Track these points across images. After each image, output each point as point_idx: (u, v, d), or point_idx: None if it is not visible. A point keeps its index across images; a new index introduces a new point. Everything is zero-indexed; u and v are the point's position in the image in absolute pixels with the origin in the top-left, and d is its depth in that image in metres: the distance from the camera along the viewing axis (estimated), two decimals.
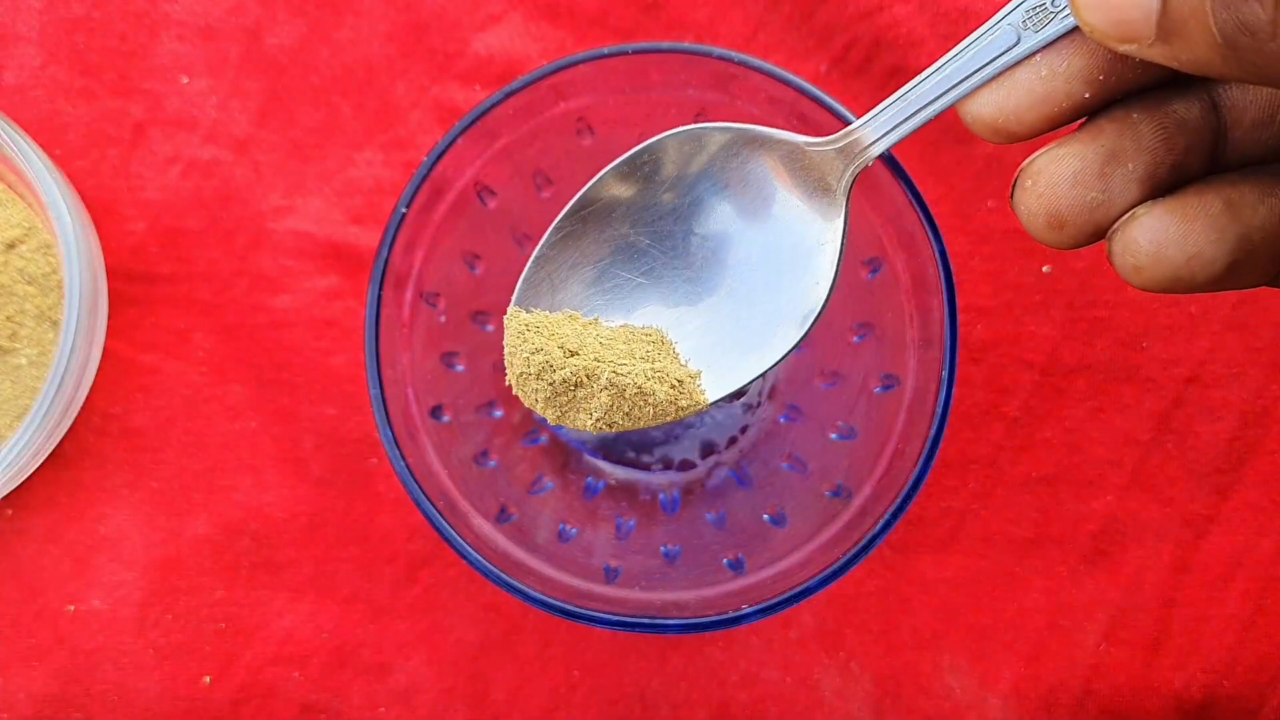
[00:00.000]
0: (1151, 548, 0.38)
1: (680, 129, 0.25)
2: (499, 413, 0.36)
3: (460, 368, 0.35)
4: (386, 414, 0.29)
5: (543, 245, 0.27)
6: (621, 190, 0.26)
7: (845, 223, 0.24)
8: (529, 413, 0.37)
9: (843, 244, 0.24)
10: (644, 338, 0.27)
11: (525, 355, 0.26)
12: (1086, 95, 0.21)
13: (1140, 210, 0.21)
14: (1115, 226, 0.21)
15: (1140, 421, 0.38)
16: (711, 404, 0.27)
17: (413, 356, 0.32)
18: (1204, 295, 0.38)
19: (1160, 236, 0.20)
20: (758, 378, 0.26)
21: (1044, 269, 0.38)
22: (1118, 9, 0.18)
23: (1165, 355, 0.38)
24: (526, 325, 0.26)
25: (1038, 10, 0.20)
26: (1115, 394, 0.38)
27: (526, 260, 0.36)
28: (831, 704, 0.38)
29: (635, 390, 0.25)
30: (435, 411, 0.32)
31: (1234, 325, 0.38)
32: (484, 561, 0.29)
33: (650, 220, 0.27)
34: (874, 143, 0.23)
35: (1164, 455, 0.38)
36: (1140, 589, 0.38)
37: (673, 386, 0.26)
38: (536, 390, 0.26)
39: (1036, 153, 0.22)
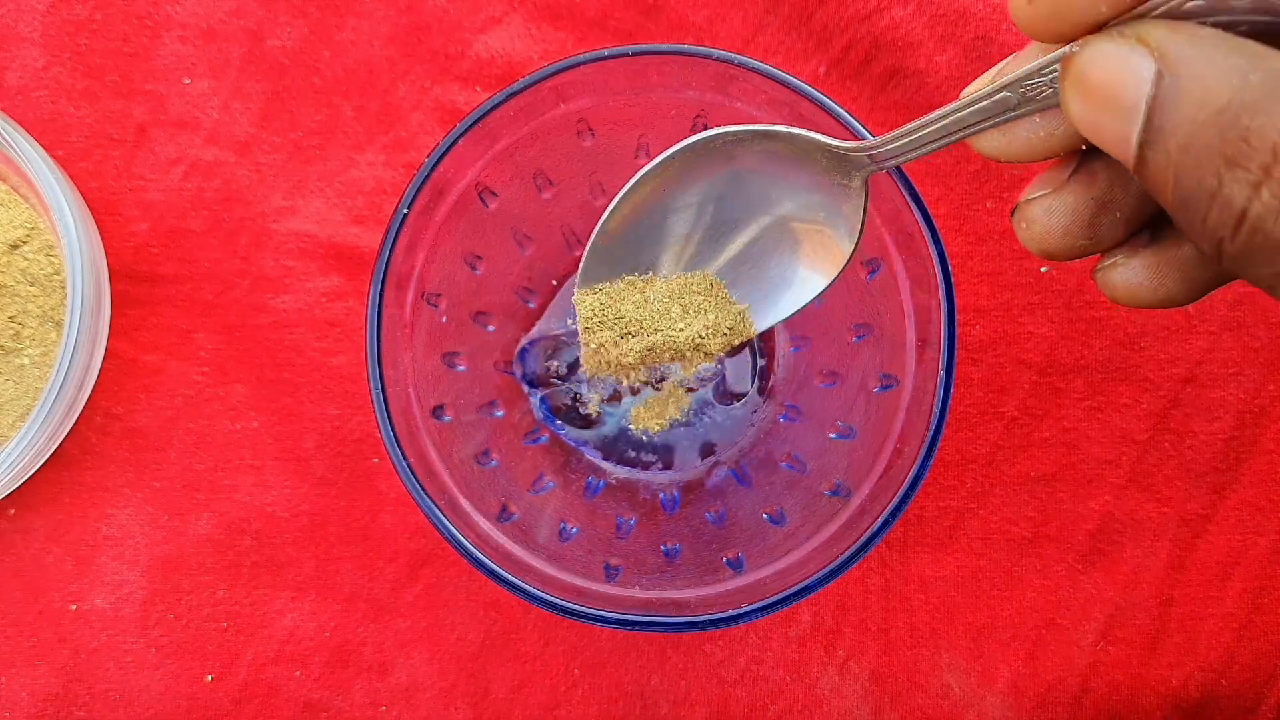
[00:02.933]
0: (1149, 547, 0.38)
1: (723, 130, 0.27)
2: (500, 412, 0.36)
3: (461, 367, 0.35)
4: (388, 414, 0.29)
5: (598, 233, 0.29)
6: (665, 177, 0.29)
7: (866, 197, 0.27)
8: (530, 412, 0.37)
9: (865, 210, 0.27)
10: (695, 287, 0.30)
11: (593, 349, 0.31)
12: (1083, 148, 0.22)
13: (1120, 260, 0.23)
14: (1098, 266, 0.23)
15: (1138, 421, 0.38)
16: (759, 333, 0.30)
17: (414, 356, 0.32)
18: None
19: (1135, 283, 0.23)
20: (799, 309, 0.29)
21: (1041, 270, 0.39)
22: (1097, 130, 0.19)
23: (1162, 355, 0.38)
24: (594, 311, 0.30)
25: (1037, 84, 0.21)
26: (1113, 394, 0.39)
27: (527, 260, 0.36)
28: (830, 701, 0.38)
29: (692, 348, 0.30)
30: (436, 411, 0.32)
31: (1231, 325, 0.39)
32: (485, 560, 0.29)
33: (695, 198, 0.29)
34: (887, 160, 0.25)
35: (1161, 455, 0.38)
36: (1138, 588, 0.38)
37: (724, 335, 0.30)
38: (608, 370, 0.31)
39: (1030, 194, 0.23)
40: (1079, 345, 0.39)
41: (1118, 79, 0.18)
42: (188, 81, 0.39)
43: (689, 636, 0.38)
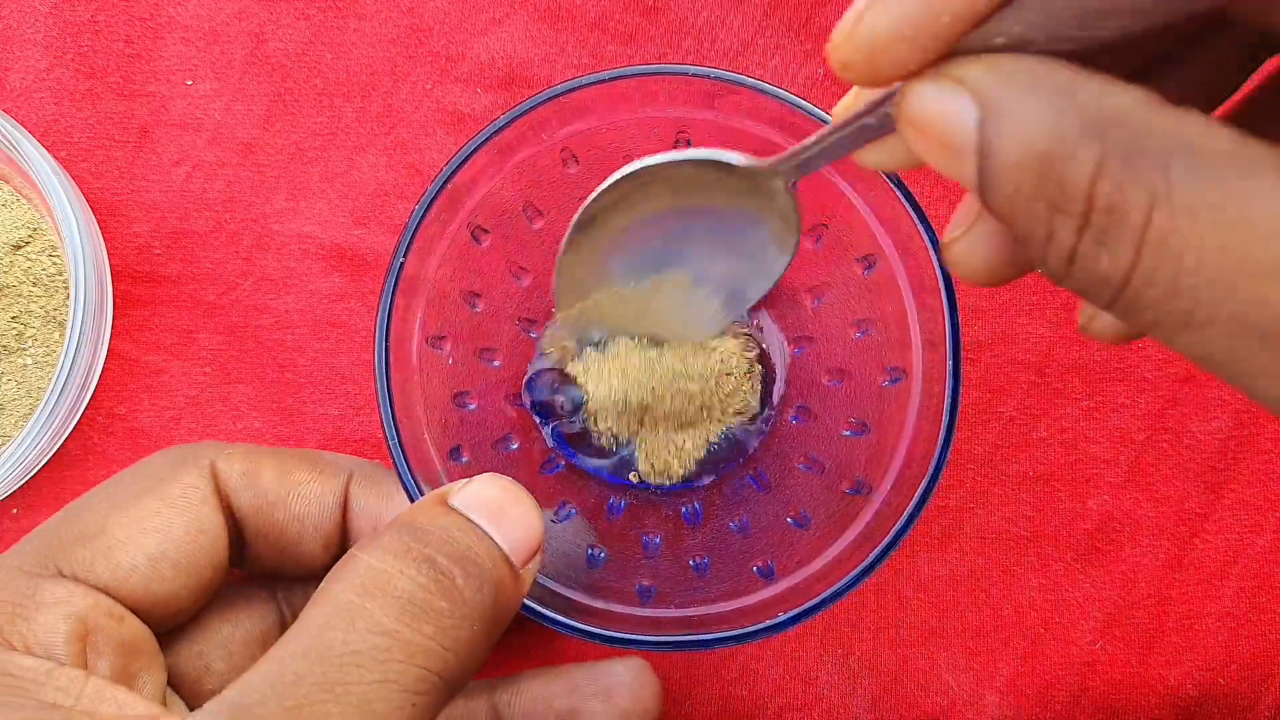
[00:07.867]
0: (1146, 545, 0.39)
1: (643, 164, 0.27)
2: (515, 445, 0.36)
3: (472, 405, 0.34)
4: (409, 468, 0.29)
5: (560, 258, 0.29)
6: (610, 200, 0.28)
7: (794, 200, 0.26)
8: (544, 443, 0.37)
9: (796, 209, 0.27)
10: (672, 287, 0.31)
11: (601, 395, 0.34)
12: None
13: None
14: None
15: (1135, 420, 0.39)
16: (733, 321, 0.34)
17: (425, 405, 0.31)
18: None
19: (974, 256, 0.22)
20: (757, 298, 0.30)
21: (1039, 270, 0.39)
22: (943, 168, 0.18)
23: (1159, 355, 0.39)
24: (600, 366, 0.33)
25: (888, 113, 0.20)
26: (1110, 393, 0.39)
27: (525, 291, 0.36)
28: (830, 700, 0.38)
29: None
30: (454, 454, 0.32)
31: None
32: (531, 604, 0.28)
33: (642, 216, 0.29)
34: (784, 174, 0.25)
35: (1158, 453, 0.39)
36: (1135, 586, 0.38)
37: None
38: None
39: (949, 235, 0.23)
40: (1076, 345, 0.39)
41: (944, 122, 0.18)
42: (190, 83, 0.39)
43: None
